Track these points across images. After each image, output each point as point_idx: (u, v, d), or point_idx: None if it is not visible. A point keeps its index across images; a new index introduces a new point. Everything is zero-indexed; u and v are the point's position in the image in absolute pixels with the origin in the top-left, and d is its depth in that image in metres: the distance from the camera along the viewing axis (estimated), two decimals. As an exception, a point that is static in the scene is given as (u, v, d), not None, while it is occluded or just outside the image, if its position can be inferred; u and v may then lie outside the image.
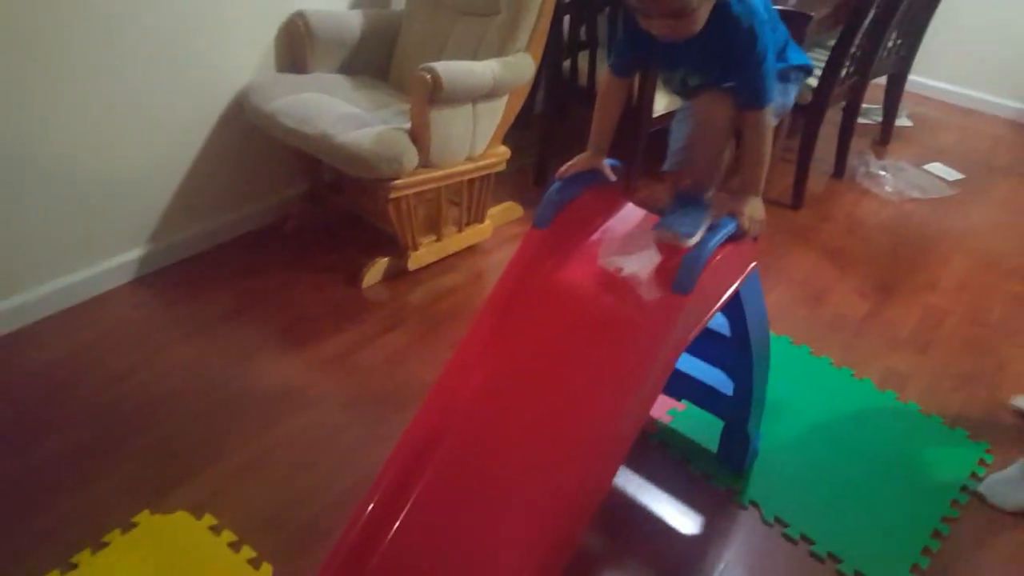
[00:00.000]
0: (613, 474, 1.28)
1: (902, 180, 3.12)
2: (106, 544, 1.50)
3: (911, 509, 1.72)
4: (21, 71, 1.81)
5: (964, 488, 1.77)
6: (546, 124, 2.84)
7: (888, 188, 3.07)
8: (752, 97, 1.28)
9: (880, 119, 3.48)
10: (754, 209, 1.34)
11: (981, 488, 1.75)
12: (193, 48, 2.12)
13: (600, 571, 1.56)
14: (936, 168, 3.27)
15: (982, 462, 1.84)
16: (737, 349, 1.55)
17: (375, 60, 2.48)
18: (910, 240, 2.78)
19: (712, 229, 1.30)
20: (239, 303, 2.18)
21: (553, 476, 1.20)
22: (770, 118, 1.32)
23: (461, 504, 1.25)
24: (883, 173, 3.14)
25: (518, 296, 1.36)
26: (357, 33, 2.40)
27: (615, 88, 1.41)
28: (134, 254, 2.21)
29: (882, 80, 3.30)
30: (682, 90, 1.41)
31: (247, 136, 2.31)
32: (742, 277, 1.40)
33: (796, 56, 1.43)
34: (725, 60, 1.26)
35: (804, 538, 1.63)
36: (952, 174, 3.22)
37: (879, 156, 3.32)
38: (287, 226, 2.49)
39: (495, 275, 2.40)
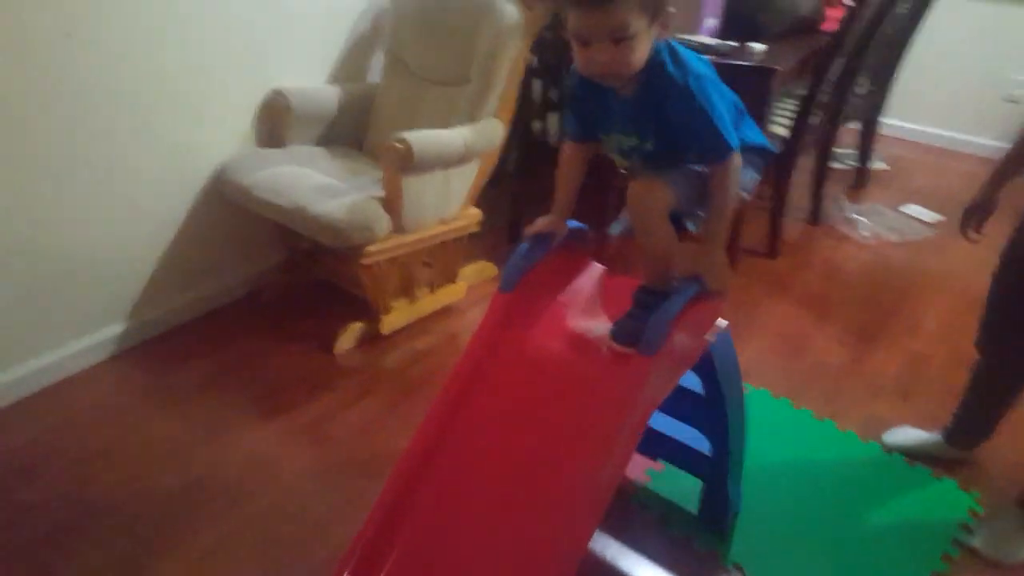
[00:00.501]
0: (589, 537, 1.25)
1: (879, 223, 3.15)
2: (75, 632, 1.47)
3: (901, 566, 1.68)
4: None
5: (955, 541, 1.73)
6: (518, 184, 2.87)
7: (865, 232, 3.09)
8: (713, 149, 1.24)
9: (855, 163, 3.53)
10: (717, 267, 1.30)
11: (976, 543, 1.70)
12: (172, 125, 2.16)
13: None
14: (913, 210, 3.30)
15: (973, 512, 1.80)
16: (711, 407, 1.53)
17: (351, 131, 2.52)
18: (890, 284, 2.79)
19: (676, 292, 1.28)
20: (215, 374, 2.17)
21: (528, 542, 1.18)
22: (736, 166, 1.26)
23: (436, 570, 1.23)
24: (860, 217, 3.17)
25: (486, 361, 1.35)
26: (334, 107, 2.45)
27: (574, 153, 1.41)
28: (112, 331, 2.21)
29: (856, 125, 3.35)
30: (621, 156, 1.36)
31: (225, 210, 2.33)
32: (712, 334, 1.40)
33: (752, 135, 1.38)
34: (664, 120, 1.23)
35: (789, 600, 1.59)
36: (930, 215, 3.25)
37: (855, 200, 3.35)
38: (263, 296, 2.49)
39: (469, 336, 2.40)
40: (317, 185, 2.16)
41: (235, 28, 2.21)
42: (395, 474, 1.29)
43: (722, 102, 1.25)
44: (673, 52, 1.23)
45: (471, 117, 2.25)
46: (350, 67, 2.60)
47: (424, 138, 2.06)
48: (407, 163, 2.02)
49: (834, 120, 2.94)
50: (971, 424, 1.87)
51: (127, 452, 1.89)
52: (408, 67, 2.46)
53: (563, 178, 1.43)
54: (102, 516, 1.71)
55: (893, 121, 3.84)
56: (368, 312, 2.30)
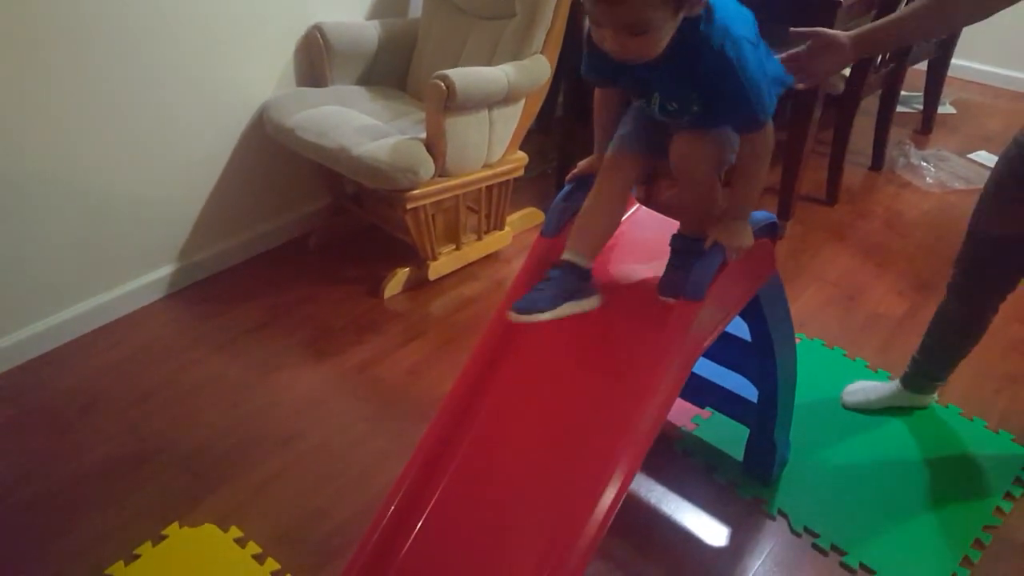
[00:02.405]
0: (629, 479, 1.25)
1: (945, 170, 3.00)
2: (138, 556, 1.54)
3: (951, 517, 1.64)
4: (45, 96, 1.85)
5: (1008, 495, 1.68)
6: (567, 127, 2.80)
7: (930, 179, 2.95)
8: (747, 120, 1.13)
9: (921, 107, 3.35)
10: (740, 238, 1.21)
11: None
12: (214, 66, 2.15)
13: (622, 584, 1.53)
14: (982, 157, 3.13)
15: (1027, 467, 1.75)
16: (759, 355, 1.50)
17: (393, 70, 2.48)
18: (953, 234, 2.64)
19: (703, 260, 1.21)
20: (264, 317, 2.20)
21: (569, 481, 1.17)
22: (769, 138, 1.17)
23: (477, 512, 1.24)
24: (924, 164, 3.02)
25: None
26: (374, 44, 2.40)
27: (605, 94, 1.32)
28: (163, 272, 2.26)
29: (922, 66, 3.17)
30: (663, 115, 1.20)
31: (269, 152, 2.34)
32: (761, 282, 1.35)
33: (771, 66, 1.23)
34: (700, 86, 1.11)
35: (835, 548, 1.57)
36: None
37: (920, 146, 3.19)
38: (311, 240, 2.51)
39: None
40: (360, 126, 2.14)
41: None
42: (437, 418, 1.29)
43: (758, 67, 1.11)
44: (707, 7, 1.07)
45: (516, 54, 2.19)
46: (390, 1, 2.54)
47: (467, 76, 2.01)
48: (450, 102, 1.98)
49: (901, 60, 2.78)
50: (933, 367, 1.80)
51: (181, 390, 1.95)
52: (451, 0, 2.39)
53: (600, 119, 1.36)
54: (157, 451, 1.77)
55: (962, 62, 3.62)
56: (415, 258, 2.30)
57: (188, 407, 1.89)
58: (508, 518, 1.22)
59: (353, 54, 2.37)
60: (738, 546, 1.61)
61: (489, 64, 2.20)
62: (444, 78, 1.96)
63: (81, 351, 2.07)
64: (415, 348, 2.10)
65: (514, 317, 1.15)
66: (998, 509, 1.65)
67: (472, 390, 1.30)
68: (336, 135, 2.10)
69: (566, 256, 1.21)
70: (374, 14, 2.50)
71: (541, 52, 2.21)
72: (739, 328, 1.51)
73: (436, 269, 2.31)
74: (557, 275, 1.19)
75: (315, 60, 2.34)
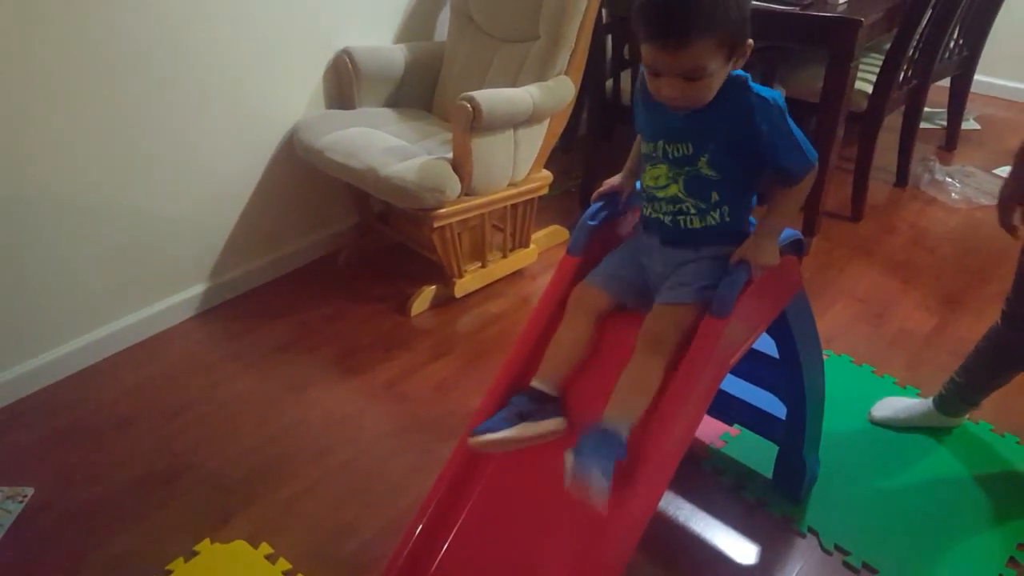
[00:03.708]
0: (658, 497, 1.26)
1: (970, 186, 2.98)
2: (170, 572, 1.56)
3: (984, 535, 1.62)
4: (83, 121, 1.92)
5: (1044, 513, 1.66)
6: (591, 146, 2.83)
7: (955, 195, 2.93)
8: (799, 166, 1.20)
9: (945, 123, 3.34)
10: (766, 255, 1.22)
11: None
12: (246, 91, 2.22)
13: (652, 602, 1.53)
14: (1004, 171, 3.10)
15: (1064, 485, 1.73)
16: (787, 371, 1.50)
17: (420, 92, 2.53)
18: (980, 249, 2.65)
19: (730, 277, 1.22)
20: (294, 335, 2.24)
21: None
22: (813, 178, 1.23)
23: (505, 529, 1.25)
24: (949, 180, 3.00)
25: (555, 324, 1.35)
26: (401, 67, 2.46)
27: None
28: (196, 290, 2.31)
29: (946, 82, 3.17)
30: (667, 165, 1.23)
31: (299, 172, 2.39)
32: (787, 298, 1.36)
33: None
34: (723, 137, 1.18)
35: (867, 567, 1.55)
36: (1025, 177, 3.05)
37: (945, 162, 3.18)
38: (339, 258, 2.55)
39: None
40: (387, 147, 2.19)
41: None
42: (466, 431, 1.30)
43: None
44: (745, 79, 1.17)
45: (541, 75, 2.23)
46: (417, 25, 2.60)
47: (492, 97, 2.05)
48: (476, 123, 2.02)
49: (925, 76, 2.78)
50: (972, 392, 1.78)
51: (213, 407, 1.98)
52: (476, 24, 2.44)
53: (636, 149, 1.40)
54: (190, 468, 1.80)
55: (986, 78, 3.61)
56: (441, 275, 2.33)
57: (219, 424, 1.93)
58: (536, 535, 1.23)
59: (381, 77, 2.43)
60: (768, 564, 1.60)
61: (514, 85, 2.24)
62: (470, 99, 1.99)
63: (116, 368, 2.11)
64: (442, 365, 2.12)
65: (471, 442, 1.19)
66: (1033, 528, 1.63)
67: (499, 405, 1.31)
68: (364, 156, 2.14)
69: (532, 383, 1.25)
70: (401, 38, 2.56)
71: (565, 73, 2.25)
72: (767, 345, 1.51)
73: (462, 286, 2.33)
74: (516, 401, 1.23)
75: (344, 83, 2.40)
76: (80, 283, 2.05)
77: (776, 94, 1.18)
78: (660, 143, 1.23)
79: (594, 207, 1.38)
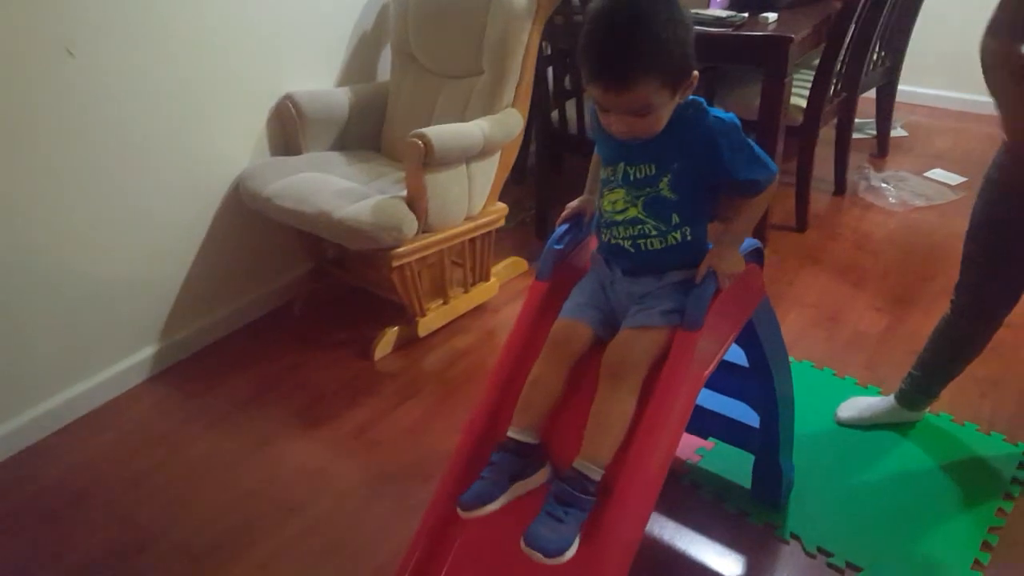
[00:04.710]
0: (646, 520, 1.25)
1: (905, 190, 3.11)
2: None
3: (957, 522, 1.66)
4: (13, 182, 1.84)
5: (1008, 495, 1.71)
6: (541, 176, 2.86)
7: (892, 199, 3.05)
8: (761, 177, 1.24)
9: (875, 132, 3.49)
10: (731, 264, 1.25)
11: None
12: (187, 143, 2.17)
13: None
14: (937, 174, 3.25)
15: (1021, 465, 1.78)
16: (758, 380, 1.52)
17: (366, 133, 2.53)
18: (920, 249, 2.75)
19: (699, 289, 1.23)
20: (254, 390, 2.17)
21: (584, 531, 1.16)
22: (775, 187, 1.28)
23: (499, 561, 1.21)
24: (884, 185, 3.13)
25: (526, 353, 1.34)
26: (346, 109, 2.45)
27: None
28: (146, 353, 2.23)
29: (872, 94, 3.31)
30: (625, 183, 1.24)
31: (247, 223, 2.35)
32: (753, 306, 1.38)
33: None
34: (685, 157, 1.19)
35: (850, 566, 1.57)
36: (954, 178, 3.21)
37: (878, 169, 3.31)
38: (295, 307, 2.50)
39: (507, 333, 2.40)
40: (339, 189, 2.17)
41: (240, 34, 2.20)
42: (447, 473, 1.27)
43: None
44: (701, 103, 1.21)
45: (488, 109, 2.25)
46: (359, 67, 2.60)
47: (443, 132, 2.06)
48: (428, 159, 2.02)
49: (853, 88, 2.90)
50: (931, 384, 1.83)
51: (173, 473, 1.90)
52: (418, 62, 2.46)
53: (595, 169, 1.42)
54: (156, 538, 1.71)
55: (909, 87, 3.78)
56: (403, 316, 2.30)
57: (182, 489, 1.84)
58: (524, 570, 1.20)
59: (325, 120, 2.42)
60: (755, 574, 1.60)
61: (462, 120, 2.25)
62: (421, 136, 2.00)
63: (66, 442, 2.01)
64: (411, 407, 2.08)
65: (462, 514, 1.15)
66: (1000, 510, 1.67)
67: (478, 440, 1.29)
68: (316, 200, 2.12)
69: (511, 434, 1.20)
70: (343, 80, 2.56)
71: (512, 105, 2.28)
72: (734, 355, 1.53)
73: (426, 325, 2.31)
74: (500, 459, 1.18)
75: (288, 129, 2.38)
76: (20, 354, 1.95)
77: (731, 115, 1.21)
78: (621, 165, 1.24)
79: (560, 230, 1.37)
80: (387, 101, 2.53)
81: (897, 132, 3.65)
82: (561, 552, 1.08)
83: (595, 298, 1.30)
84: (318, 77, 2.49)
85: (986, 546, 1.59)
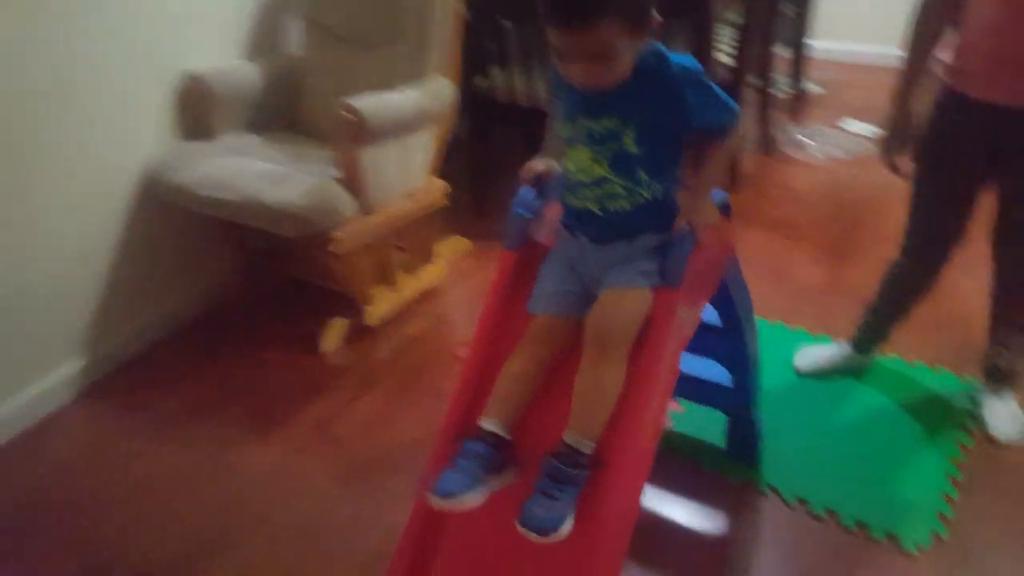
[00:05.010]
0: (641, 490, 1.22)
1: (826, 143, 3.21)
2: None
3: (924, 459, 1.72)
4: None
5: (965, 427, 1.79)
6: (473, 150, 2.78)
7: (817, 154, 3.15)
8: (726, 121, 1.21)
9: (789, 89, 3.58)
10: (708, 213, 1.23)
11: (991, 431, 1.76)
12: (84, 136, 1.95)
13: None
14: (854, 126, 3.37)
15: (973, 398, 1.86)
16: (730, 337, 1.51)
17: (282, 112, 2.36)
18: (848, 200, 2.85)
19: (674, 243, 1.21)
20: (200, 396, 2.02)
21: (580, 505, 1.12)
22: (738, 129, 1.25)
23: (490, 558, 1.19)
24: (806, 140, 3.22)
25: (508, 320, 1.28)
26: (259, 86, 2.28)
27: None
28: (73, 367, 2.03)
29: (785, 50, 3.39)
30: (589, 142, 1.19)
31: (165, 218, 2.16)
32: (725, 262, 1.37)
33: None
34: (649, 109, 1.15)
35: (829, 512, 1.60)
36: (870, 129, 3.32)
37: (798, 125, 3.40)
38: (229, 306, 2.34)
39: (459, 315, 2.35)
40: (264, 173, 2.01)
41: (128, 8, 2.00)
42: (430, 462, 1.20)
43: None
44: (661, 50, 1.16)
45: (416, 78, 2.13)
46: (264, 39, 2.41)
47: (375, 104, 1.94)
48: (361, 133, 1.90)
49: (767, 45, 2.96)
50: (879, 327, 1.90)
51: (123, 491, 1.74)
52: (331, 32, 2.31)
53: (551, 127, 1.36)
54: (110, 565, 1.57)
55: (817, 43, 3.90)
56: (348, 306, 2.19)
57: (135, 509, 1.70)
58: (521, 562, 1.16)
59: (237, 100, 2.24)
60: (739, 530, 1.61)
61: (388, 91, 2.13)
62: (352, 108, 1.88)
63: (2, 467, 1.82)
64: (371, 399, 1.99)
65: (436, 502, 1.08)
66: (961, 444, 1.74)
67: (461, 420, 1.23)
68: (241, 186, 1.97)
69: (487, 426, 1.15)
70: (249, 55, 2.36)
71: (440, 73, 2.18)
72: (705, 314, 1.52)
73: (374, 314, 2.21)
74: (477, 450, 1.12)
75: (197, 111, 2.19)
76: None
77: (692, 59, 1.17)
78: (583, 121, 1.18)
79: (523, 195, 1.30)
80: (301, 76, 2.38)
81: (812, 88, 3.76)
82: (556, 529, 1.05)
83: (567, 281, 1.24)
84: (222, 52, 2.29)
85: (953, 480, 1.66)
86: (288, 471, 1.78)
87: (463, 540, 1.21)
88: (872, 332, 1.91)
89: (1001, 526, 1.55)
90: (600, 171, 1.18)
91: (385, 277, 2.24)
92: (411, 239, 2.27)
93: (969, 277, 1.77)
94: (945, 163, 1.60)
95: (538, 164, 1.33)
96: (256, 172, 2.02)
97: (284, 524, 1.64)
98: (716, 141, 1.23)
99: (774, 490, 1.66)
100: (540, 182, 1.32)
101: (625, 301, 1.17)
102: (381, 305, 2.23)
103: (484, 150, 2.79)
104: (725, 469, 1.71)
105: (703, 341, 1.55)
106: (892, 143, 1.64)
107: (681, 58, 1.16)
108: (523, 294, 1.28)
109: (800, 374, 1.97)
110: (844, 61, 4.15)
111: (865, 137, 3.27)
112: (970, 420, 1.80)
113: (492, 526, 1.17)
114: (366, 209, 2.03)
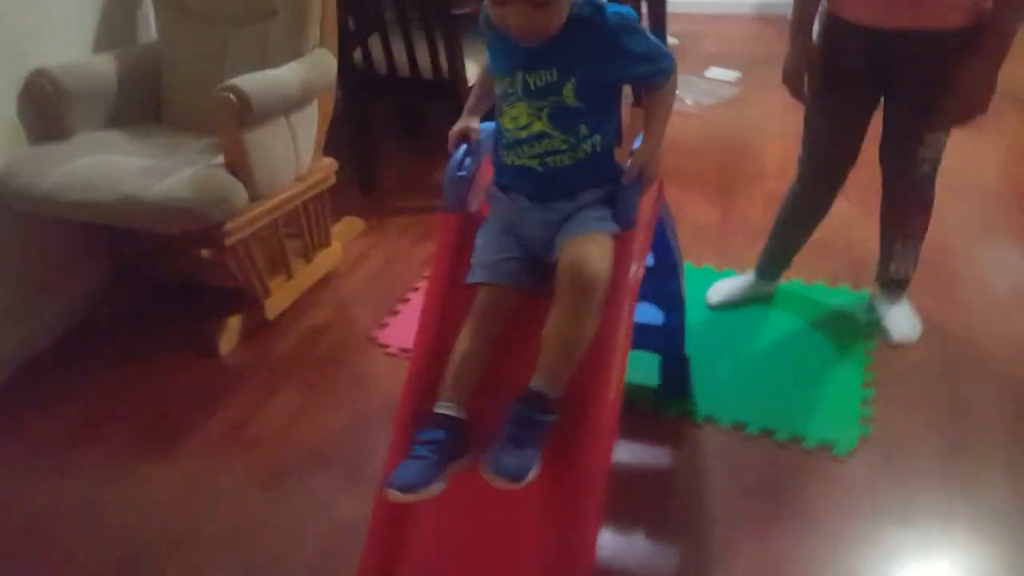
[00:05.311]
0: (614, 439, 1.20)
1: (694, 91, 3.32)
2: None
3: (840, 369, 1.82)
4: None
5: (870, 335, 1.91)
6: (354, 126, 2.64)
7: (689, 101, 3.25)
8: (666, 67, 1.19)
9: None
10: (660, 162, 1.24)
11: (888, 335, 1.88)
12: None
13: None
14: (717, 73, 3.52)
15: (870, 308, 1.99)
16: (664, 276, 1.52)
17: (142, 104, 2.15)
18: (726, 141, 2.97)
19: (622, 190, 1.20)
20: (82, 420, 1.80)
21: (554, 461, 1.09)
22: (676, 77, 1.23)
23: (472, 512, 1.16)
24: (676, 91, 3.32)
25: (456, 298, 1.22)
26: (114, 79, 2.06)
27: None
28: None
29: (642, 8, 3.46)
30: (525, 95, 1.15)
31: (17, 227, 1.92)
32: (659, 205, 1.38)
33: None
34: (588, 61, 1.13)
35: (764, 432, 1.66)
36: (731, 75, 3.48)
37: (664, 76, 3.50)
38: (102, 316, 2.11)
39: (364, 297, 2.23)
40: (138, 169, 1.83)
41: None
42: (390, 455, 1.14)
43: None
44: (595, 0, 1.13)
45: (295, 52, 1.99)
46: (116, 27, 2.18)
47: (256, 82, 1.79)
48: (246, 115, 1.75)
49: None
50: (781, 254, 1.99)
51: (13, 533, 1.52)
52: (190, 11, 2.12)
53: (481, 82, 1.33)
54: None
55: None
56: (242, 301, 2.03)
57: (22, 553, 1.48)
58: (502, 531, 1.14)
59: (92, 95, 2.02)
60: (684, 461, 1.64)
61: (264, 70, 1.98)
62: (233, 89, 1.73)
63: None
64: (284, 395, 1.85)
65: (397, 497, 1.02)
66: (868, 351, 1.86)
67: (421, 392, 1.16)
68: (113, 185, 1.77)
69: (443, 410, 1.10)
70: (100, 47, 2.14)
71: (320, 45, 2.04)
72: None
73: (274, 306, 2.06)
74: (434, 437, 1.08)
75: (48, 111, 1.95)
76: None
77: (627, 8, 1.15)
78: (519, 74, 1.14)
79: (458, 155, 1.26)
80: (162, 64, 2.17)
81: (671, 41, 3.87)
82: (526, 476, 1.03)
83: (507, 248, 1.20)
84: (70, 45, 2.05)
85: (867, 385, 1.76)
86: (204, 483, 1.62)
87: (435, 523, 1.16)
88: (776, 259, 1.99)
89: (916, 421, 1.66)
90: (540, 126, 1.15)
91: (280, 266, 2.09)
92: (305, 223, 2.12)
93: (846, 198, 1.88)
94: (834, 88, 1.68)
95: (461, 126, 1.28)
96: (130, 169, 1.82)
97: (212, 540, 1.49)
98: (658, 89, 1.21)
99: (710, 419, 1.70)
100: (467, 142, 1.27)
101: (595, 245, 1.13)
102: (279, 297, 2.08)
103: (364, 125, 2.66)
104: (661, 405, 1.73)
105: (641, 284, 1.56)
106: (791, 72, 1.70)
107: (616, 7, 1.14)
108: (461, 267, 1.22)
109: (713, 307, 2.03)
110: (696, 13, 4.32)
111: (728, 82, 3.42)
112: (873, 328, 1.93)
113: (462, 501, 1.13)
114: (256, 195, 1.87)
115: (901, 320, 1.89)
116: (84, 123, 2.01)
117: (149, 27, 2.25)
